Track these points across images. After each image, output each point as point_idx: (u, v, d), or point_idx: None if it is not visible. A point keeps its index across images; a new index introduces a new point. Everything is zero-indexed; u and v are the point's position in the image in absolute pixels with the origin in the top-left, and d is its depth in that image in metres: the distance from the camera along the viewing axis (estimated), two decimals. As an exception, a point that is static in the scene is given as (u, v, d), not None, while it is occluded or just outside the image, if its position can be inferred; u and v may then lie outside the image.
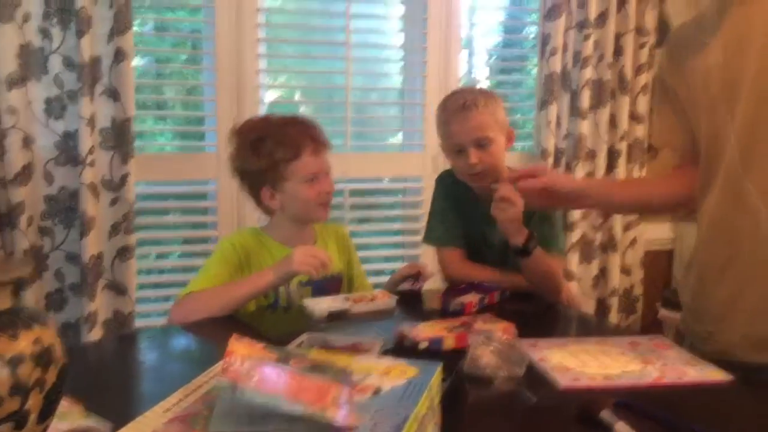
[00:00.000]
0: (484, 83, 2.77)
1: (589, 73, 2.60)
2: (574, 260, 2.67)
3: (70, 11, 2.03)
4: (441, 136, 1.78)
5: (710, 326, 1.32)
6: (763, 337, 1.24)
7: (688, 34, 1.37)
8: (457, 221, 1.82)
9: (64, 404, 0.82)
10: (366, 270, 2.44)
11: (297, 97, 2.80)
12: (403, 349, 1.22)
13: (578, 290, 2.68)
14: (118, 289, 2.17)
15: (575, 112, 2.62)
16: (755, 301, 1.25)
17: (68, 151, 2.08)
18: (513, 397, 1.06)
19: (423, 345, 1.22)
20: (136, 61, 2.25)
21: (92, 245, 2.09)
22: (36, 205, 2.07)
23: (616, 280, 2.74)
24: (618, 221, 2.73)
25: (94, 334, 2.09)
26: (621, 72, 2.64)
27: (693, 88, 1.33)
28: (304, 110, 2.65)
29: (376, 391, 0.76)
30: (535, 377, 1.11)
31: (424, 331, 1.26)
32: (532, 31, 2.79)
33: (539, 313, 1.61)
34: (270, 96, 2.60)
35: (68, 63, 2.05)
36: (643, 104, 2.69)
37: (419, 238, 2.59)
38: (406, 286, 1.70)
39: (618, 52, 2.64)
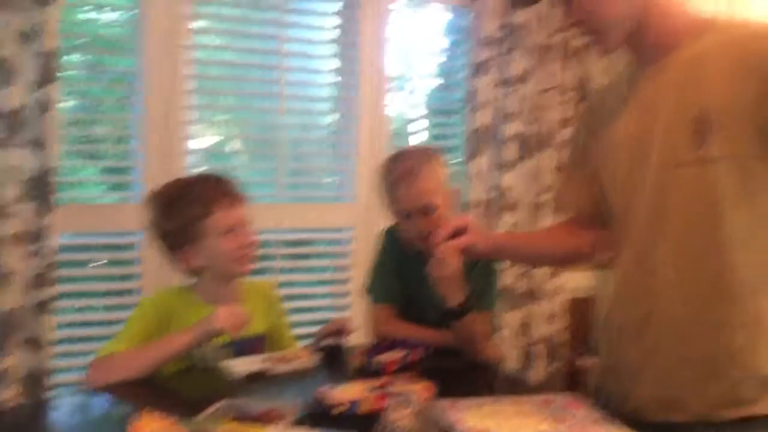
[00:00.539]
0: (420, 137, 2.84)
1: (514, 127, 2.69)
2: (499, 309, 2.72)
3: (-6, 60, 1.99)
4: (387, 199, 1.80)
5: (623, 385, 1.37)
6: (674, 397, 1.29)
7: (603, 101, 1.44)
8: (396, 279, 1.85)
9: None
10: (297, 321, 2.46)
11: (230, 146, 2.80)
12: (319, 413, 1.22)
13: (504, 340, 2.73)
14: (35, 343, 2.09)
15: (502, 164, 2.71)
16: (665, 362, 1.30)
17: (-12, 203, 2.02)
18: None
19: (339, 409, 1.23)
20: (65, 105, 2.22)
21: (9, 299, 2.02)
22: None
23: (540, 328, 2.81)
24: (544, 270, 2.81)
25: (8, 393, 2.01)
26: (545, 127, 2.75)
27: (606, 154, 1.40)
28: (233, 160, 2.66)
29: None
30: (449, 441, 1.13)
31: (342, 393, 1.27)
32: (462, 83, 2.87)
33: (462, 370, 1.64)
34: (201, 144, 2.60)
35: (-10, 113, 2.01)
36: (565, 158, 2.79)
37: (351, 288, 2.62)
38: (330, 341, 1.71)
39: (542, 107, 2.75)
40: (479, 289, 1.70)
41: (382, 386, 1.32)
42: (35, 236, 2.09)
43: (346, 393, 1.28)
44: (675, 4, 1.29)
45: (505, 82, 2.68)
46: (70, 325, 2.31)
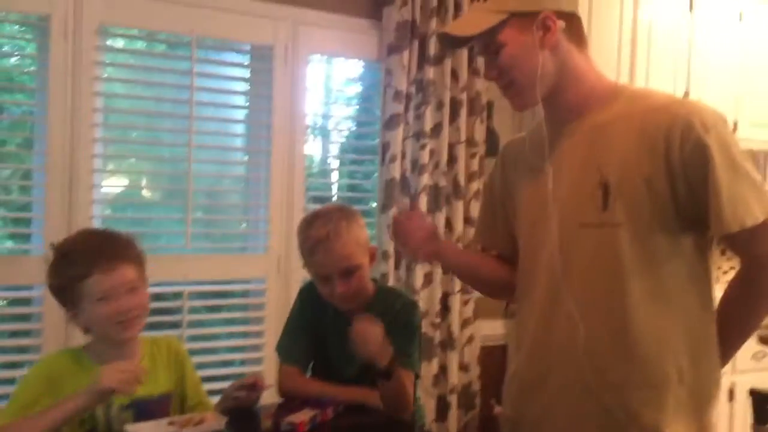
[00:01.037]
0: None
1: (426, 179, 2.75)
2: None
3: None
4: (305, 262, 1.79)
5: None
6: None
7: (518, 153, 1.48)
8: (308, 339, 1.83)
9: None
10: (210, 375, 2.38)
11: (140, 195, 2.73)
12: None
13: (420, 390, 2.74)
14: None
15: (414, 215, 2.75)
16: (564, 419, 1.33)
17: None
18: None
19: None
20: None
21: None
22: None
23: (455, 377, 2.84)
24: (455, 319, 2.85)
25: None
26: (455, 179, 2.82)
27: (516, 206, 1.45)
28: (142, 211, 2.59)
29: None
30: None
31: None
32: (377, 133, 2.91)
33: (376, 427, 1.63)
34: (108, 193, 2.52)
35: None
36: (475, 209, 2.87)
37: (263, 341, 2.57)
38: (242, 395, 1.66)
39: (451, 160, 2.82)
40: (401, 349, 1.70)
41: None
42: None
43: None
44: (589, 70, 1.37)
45: (416, 135, 2.75)
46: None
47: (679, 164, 1.24)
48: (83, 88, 2.27)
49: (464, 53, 2.77)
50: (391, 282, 2.65)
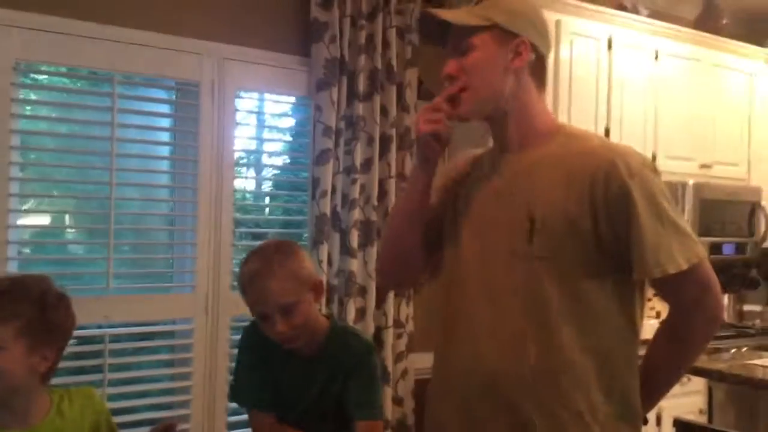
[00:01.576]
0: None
1: (356, 214, 2.75)
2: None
3: None
4: (244, 300, 1.69)
5: None
6: None
7: (466, 175, 1.49)
8: (265, 378, 1.74)
9: None
10: (133, 421, 2.30)
11: (60, 234, 2.63)
12: None
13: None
14: None
15: (345, 250, 2.74)
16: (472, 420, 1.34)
17: None
18: None
19: None
20: None
21: None
22: None
23: (389, 411, 2.82)
24: (389, 353, 2.84)
25: None
26: (386, 214, 2.83)
27: (452, 226, 1.45)
28: (61, 251, 2.49)
29: None
30: None
31: None
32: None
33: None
34: (25, 233, 2.42)
35: None
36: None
37: (190, 383, 2.49)
38: None
39: (382, 195, 2.83)
40: (365, 400, 1.67)
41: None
42: None
43: None
44: (540, 111, 1.41)
45: (347, 170, 2.75)
46: None
47: (603, 207, 1.27)
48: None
49: (393, 90, 2.81)
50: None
